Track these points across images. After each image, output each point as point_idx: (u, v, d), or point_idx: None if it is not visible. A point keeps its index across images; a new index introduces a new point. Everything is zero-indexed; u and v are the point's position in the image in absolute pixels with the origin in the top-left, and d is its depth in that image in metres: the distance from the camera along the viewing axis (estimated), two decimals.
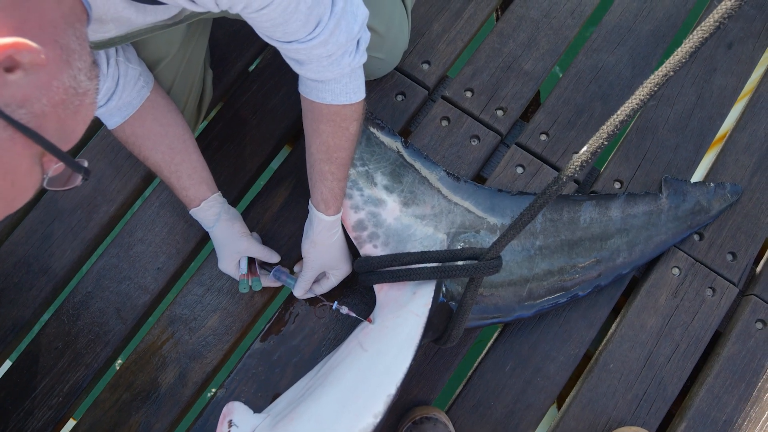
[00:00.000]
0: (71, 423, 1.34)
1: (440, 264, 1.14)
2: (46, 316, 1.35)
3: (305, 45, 0.93)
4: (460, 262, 1.13)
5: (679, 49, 0.89)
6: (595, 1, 1.49)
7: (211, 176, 1.21)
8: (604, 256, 1.30)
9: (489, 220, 1.29)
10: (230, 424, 1.08)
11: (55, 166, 0.67)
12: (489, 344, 1.32)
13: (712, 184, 1.36)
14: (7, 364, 1.34)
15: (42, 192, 1.39)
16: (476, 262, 1.10)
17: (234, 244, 1.21)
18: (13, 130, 0.58)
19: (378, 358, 1.08)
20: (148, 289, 1.34)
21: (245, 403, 1.25)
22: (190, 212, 1.20)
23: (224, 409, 1.09)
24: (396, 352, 1.08)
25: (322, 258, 1.20)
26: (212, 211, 1.19)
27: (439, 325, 1.19)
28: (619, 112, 0.93)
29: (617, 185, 1.39)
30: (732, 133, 1.42)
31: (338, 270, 1.23)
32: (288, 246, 1.34)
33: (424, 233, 1.25)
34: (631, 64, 1.45)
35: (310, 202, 1.17)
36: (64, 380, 1.30)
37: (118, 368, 1.32)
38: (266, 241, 1.34)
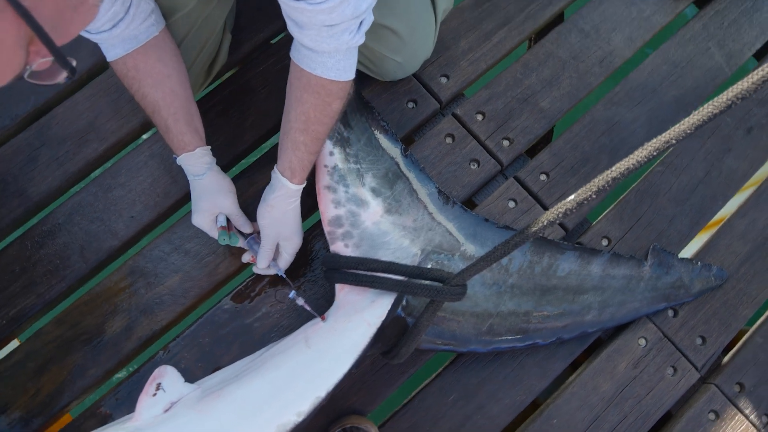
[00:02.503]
0: (14, 344, 1.33)
1: (405, 278, 1.12)
2: (10, 238, 1.34)
3: (312, 7, 0.91)
4: (425, 281, 1.11)
5: (687, 119, 0.87)
6: (626, 55, 1.47)
7: (203, 130, 1.20)
8: (573, 309, 1.27)
9: (467, 247, 1.26)
10: (158, 387, 1.06)
11: (41, 61, 0.65)
12: (438, 370, 1.30)
13: (699, 264, 1.33)
14: None
15: (37, 115, 1.39)
16: (441, 285, 1.08)
17: (218, 198, 1.19)
18: (4, 3, 0.57)
19: (318, 358, 1.06)
20: (117, 235, 1.33)
21: (184, 370, 1.24)
22: (181, 157, 1.16)
23: (155, 371, 1.08)
24: (337, 356, 1.06)
25: (278, 225, 1.18)
26: (205, 159, 1.18)
27: (391, 339, 1.17)
28: (613, 168, 0.91)
29: (605, 242, 1.36)
30: (731, 217, 1.39)
31: (290, 242, 1.21)
32: None
33: (399, 244, 1.23)
34: (648, 125, 1.42)
35: (275, 167, 1.16)
36: (12, 304, 1.29)
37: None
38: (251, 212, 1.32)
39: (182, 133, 1.15)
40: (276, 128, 1.41)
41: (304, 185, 1.17)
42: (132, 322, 1.28)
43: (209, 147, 1.19)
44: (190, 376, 1.22)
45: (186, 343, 1.28)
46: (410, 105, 1.42)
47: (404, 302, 1.19)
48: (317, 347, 1.08)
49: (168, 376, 1.08)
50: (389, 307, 1.12)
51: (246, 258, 1.27)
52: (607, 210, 1.39)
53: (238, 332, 1.29)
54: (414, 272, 1.13)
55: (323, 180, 1.22)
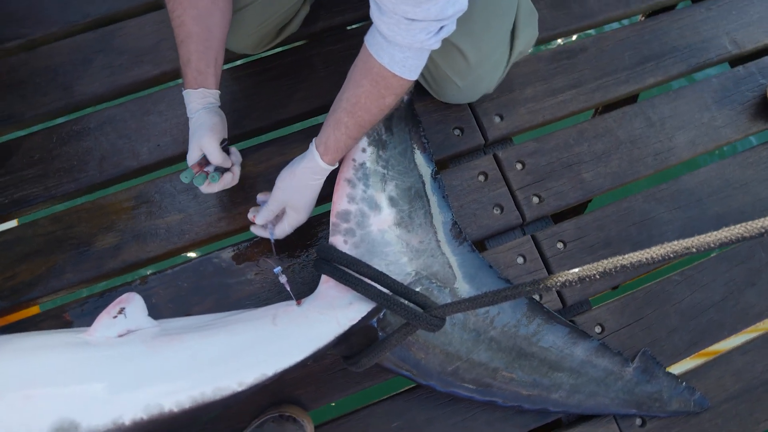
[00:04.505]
0: (11, 224, 1.35)
1: (389, 292, 1.11)
2: (40, 126, 1.37)
3: None
4: (407, 302, 1.09)
5: (714, 233, 0.84)
6: (683, 156, 1.43)
7: (219, 76, 1.17)
8: (543, 383, 1.24)
9: (461, 285, 1.24)
10: (121, 311, 1.06)
11: None
12: (391, 394, 1.27)
13: (683, 384, 1.28)
14: None
15: (105, 22, 1.42)
16: (421, 311, 1.07)
17: (201, 134, 1.14)
18: None
19: (279, 338, 1.05)
20: (139, 158, 1.35)
21: (153, 305, 1.25)
22: (186, 91, 1.15)
23: (124, 296, 1.08)
24: (297, 343, 1.05)
25: (293, 192, 1.17)
26: (205, 101, 1.15)
27: (356, 346, 1.16)
28: (625, 257, 0.88)
29: (598, 329, 1.32)
30: (732, 351, 1.34)
31: (296, 213, 1.19)
32: None
33: (396, 258, 1.21)
34: (681, 231, 1.38)
35: (313, 140, 1.15)
36: (20, 187, 1.31)
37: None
38: (261, 183, 1.33)
39: (199, 71, 1.13)
40: (322, 110, 1.42)
41: (333, 167, 1.16)
42: (122, 243, 1.30)
43: (218, 92, 1.17)
44: (157, 312, 1.23)
45: (165, 281, 1.28)
46: (456, 132, 1.41)
47: (381, 315, 1.17)
48: (282, 328, 1.07)
49: (134, 303, 1.08)
50: (364, 314, 1.11)
51: (250, 214, 1.23)
52: (612, 299, 1.36)
53: (217, 288, 1.28)
54: (400, 289, 1.11)
55: (346, 172, 1.22)
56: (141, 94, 1.40)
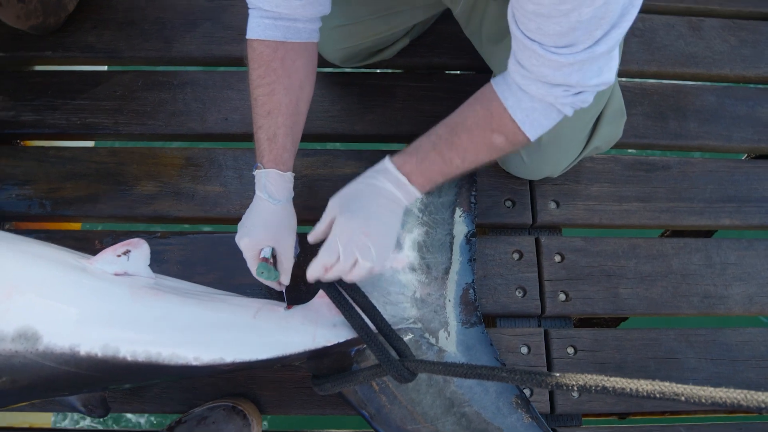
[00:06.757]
0: (89, 144, 1.44)
1: (374, 329, 1.08)
2: (132, 68, 1.47)
3: (543, 52, 0.83)
4: (387, 344, 1.07)
5: (710, 389, 0.81)
6: (734, 310, 1.32)
7: None
8: None
9: (452, 350, 1.20)
10: (126, 252, 1.10)
11: None
12: (348, 430, 1.24)
13: None
14: (82, 68, 1.46)
15: None
16: (396, 358, 1.04)
17: (284, 232, 1.06)
18: None
19: (250, 331, 1.05)
20: (204, 124, 1.41)
21: (162, 260, 1.29)
22: (268, 171, 1.04)
23: (135, 239, 1.11)
24: (266, 342, 1.04)
25: (346, 201, 1.00)
26: (290, 186, 1.06)
27: (326, 369, 1.14)
28: (609, 379, 0.85)
29: None
30: None
31: (366, 259, 0.97)
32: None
33: (398, 300, 1.19)
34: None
35: (387, 156, 1.02)
36: (94, 114, 1.40)
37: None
38: (301, 188, 1.33)
39: (285, 149, 1.03)
40: (386, 139, 1.44)
41: (410, 187, 0.98)
42: (159, 195, 1.35)
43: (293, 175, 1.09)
44: (161, 267, 1.26)
45: (183, 243, 1.32)
46: (507, 204, 1.37)
47: (361, 348, 1.15)
48: (259, 322, 1.06)
49: (140, 250, 1.11)
50: (342, 340, 1.09)
51: (310, 237, 1.07)
52: (605, 425, 1.27)
53: (224, 266, 1.31)
54: (386, 331, 1.08)
55: None
56: (228, 69, 1.46)
